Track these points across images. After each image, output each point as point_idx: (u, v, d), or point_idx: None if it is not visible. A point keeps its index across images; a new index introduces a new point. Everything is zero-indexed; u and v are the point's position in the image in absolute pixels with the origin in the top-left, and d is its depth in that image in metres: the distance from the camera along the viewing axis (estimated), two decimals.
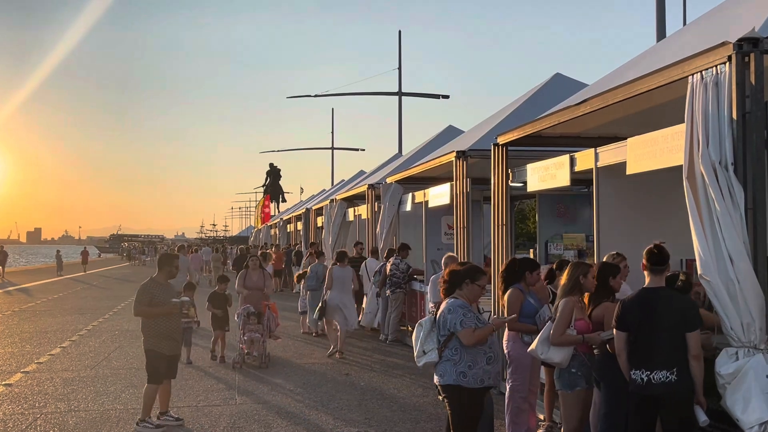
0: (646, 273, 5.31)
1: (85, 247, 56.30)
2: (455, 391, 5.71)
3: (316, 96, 41.62)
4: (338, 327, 12.77)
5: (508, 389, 7.31)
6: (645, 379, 5.13)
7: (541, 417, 7.69)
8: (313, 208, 27.05)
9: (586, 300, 6.19)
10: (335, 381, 10.66)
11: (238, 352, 11.90)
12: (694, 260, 5.14)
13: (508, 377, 7.31)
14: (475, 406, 5.77)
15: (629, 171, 6.47)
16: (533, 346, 6.31)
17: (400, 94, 34.57)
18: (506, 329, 7.29)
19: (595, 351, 5.98)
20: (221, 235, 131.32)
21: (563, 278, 6.25)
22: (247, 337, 11.79)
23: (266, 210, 50.04)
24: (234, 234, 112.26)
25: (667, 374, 5.05)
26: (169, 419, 8.28)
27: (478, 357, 5.72)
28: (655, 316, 5.13)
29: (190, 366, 11.69)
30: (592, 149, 7.36)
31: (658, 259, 5.25)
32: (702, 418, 5.04)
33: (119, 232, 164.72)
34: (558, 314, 6.13)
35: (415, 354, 5.87)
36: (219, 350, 12.38)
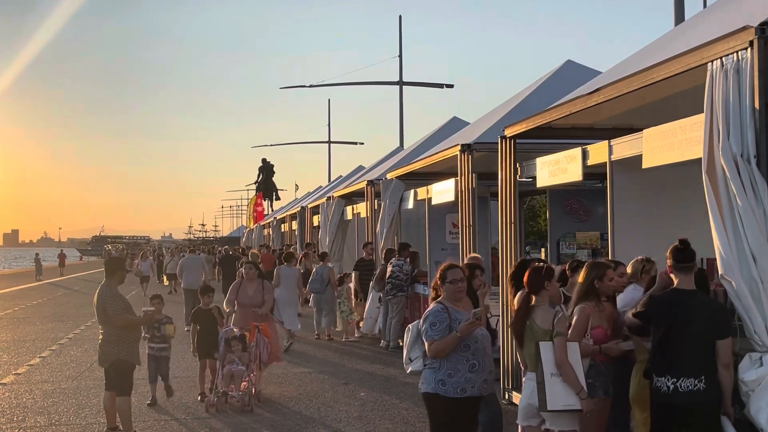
0: (673, 275, 5.26)
1: (62, 250, 56.39)
2: (433, 400, 5.75)
3: (311, 86, 41.67)
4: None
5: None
6: (671, 387, 5.11)
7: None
8: (309, 206, 27.04)
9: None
10: (333, 390, 10.68)
11: (214, 389, 9.79)
12: (715, 259, 5.14)
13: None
14: (454, 416, 5.69)
15: (645, 164, 6.48)
16: None
17: (401, 83, 34.60)
18: None
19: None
20: (211, 235, 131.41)
21: (580, 278, 6.19)
22: (227, 369, 9.60)
23: (259, 208, 50.17)
24: (225, 234, 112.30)
25: (695, 382, 5.04)
26: None
27: (459, 365, 5.64)
28: (687, 321, 5.08)
29: (179, 378, 11.55)
30: (606, 141, 7.37)
31: (684, 256, 5.19)
32: (730, 430, 5.05)
33: (102, 234, 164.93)
34: (573, 323, 5.93)
35: (404, 360, 6.03)
36: (209, 384, 10.12)
